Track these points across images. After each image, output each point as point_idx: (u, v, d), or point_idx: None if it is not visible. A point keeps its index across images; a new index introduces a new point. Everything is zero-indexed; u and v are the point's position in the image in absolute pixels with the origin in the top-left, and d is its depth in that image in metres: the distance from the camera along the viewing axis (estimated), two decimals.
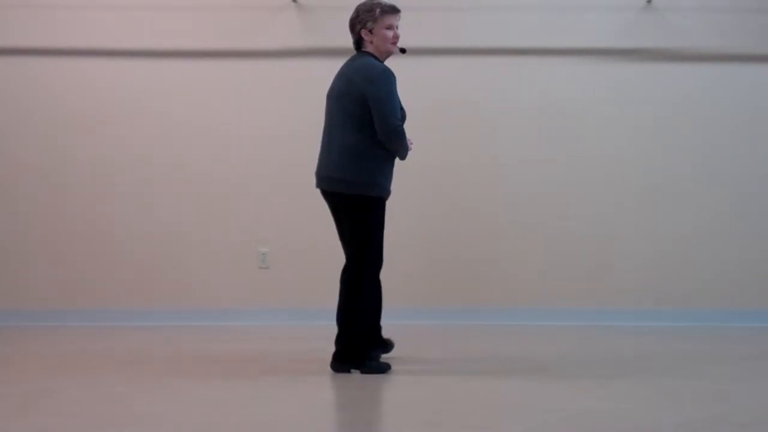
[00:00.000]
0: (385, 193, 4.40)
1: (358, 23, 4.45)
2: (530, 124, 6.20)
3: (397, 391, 3.87)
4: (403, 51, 4.60)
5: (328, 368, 4.34)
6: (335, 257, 6.07)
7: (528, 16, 6.22)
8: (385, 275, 4.56)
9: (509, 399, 3.67)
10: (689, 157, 6.21)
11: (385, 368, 4.34)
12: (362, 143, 4.31)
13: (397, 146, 4.34)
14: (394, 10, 4.46)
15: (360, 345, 4.35)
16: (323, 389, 3.88)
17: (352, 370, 4.31)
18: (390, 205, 4.60)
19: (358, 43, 4.48)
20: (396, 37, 4.46)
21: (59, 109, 6.18)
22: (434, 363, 4.57)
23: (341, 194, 4.35)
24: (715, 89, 6.23)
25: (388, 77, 4.31)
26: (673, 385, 3.98)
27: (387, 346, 4.67)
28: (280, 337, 5.51)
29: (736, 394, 3.79)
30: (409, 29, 5.89)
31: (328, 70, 6.10)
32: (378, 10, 4.40)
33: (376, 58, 4.42)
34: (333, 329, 5.68)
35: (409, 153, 4.52)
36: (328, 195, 4.44)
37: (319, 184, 4.45)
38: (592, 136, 6.20)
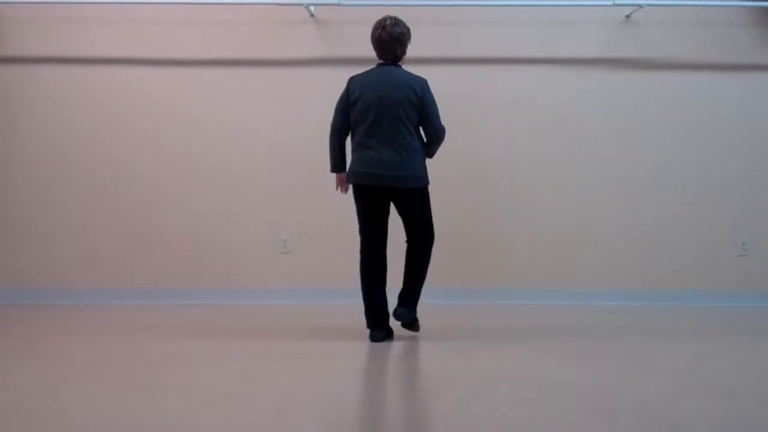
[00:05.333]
0: None
1: (407, 40, 4.53)
2: (522, 125, 6.17)
3: (404, 363, 3.87)
4: None
5: (342, 342, 4.33)
6: (349, 242, 6.08)
7: (520, 29, 6.19)
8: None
9: (502, 370, 3.67)
10: (662, 154, 6.19)
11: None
12: (419, 143, 4.45)
13: (439, 146, 4.54)
14: None
15: (418, 296, 4.59)
16: (340, 361, 3.88)
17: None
18: None
19: (400, 56, 4.51)
20: None
21: (103, 113, 6.18)
22: (438, 338, 4.56)
23: (410, 188, 4.41)
24: (685, 95, 6.20)
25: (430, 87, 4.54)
26: (650, 358, 3.97)
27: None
28: (300, 314, 5.51)
29: (706, 367, 3.77)
30: (416, 40, 5.89)
31: (343, 77, 6.11)
32: None
33: None
34: (348, 306, 5.70)
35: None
36: (386, 190, 4.42)
37: (379, 181, 4.38)
38: (576, 136, 6.18)
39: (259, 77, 6.20)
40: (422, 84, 4.43)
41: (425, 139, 4.52)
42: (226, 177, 6.19)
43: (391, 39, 4.42)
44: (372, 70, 4.49)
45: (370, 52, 6.04)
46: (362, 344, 4.34)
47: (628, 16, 6.19)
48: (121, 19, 6.19)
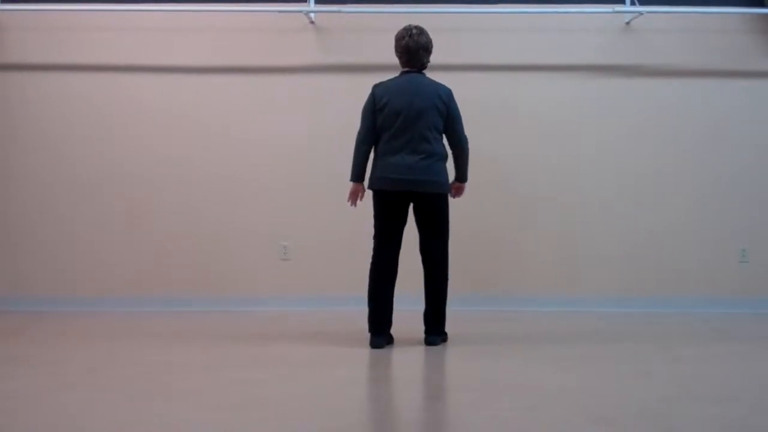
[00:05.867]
0: None
1: (432, 48, 4.56)
2: (523, 132, 6.18)
3: (404, 370, 3.87)
4: None
5: (343, 348, 4.33)
6: (350, 249, 6.09)
7: (520, 36, 6.21)
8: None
9: (502, 377, 3.67)
10: (662, 161, 6.20)
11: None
12: (444, 151, 4.48)
13: (467, 160, 4.58)
14: None
15: (445, 315, 4.59)
16: (340, 367, 3.88)
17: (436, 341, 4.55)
18: None
19: (425, 64, 4.54)
20: None
21: (103, 120, 6.19)
22: (439, 345, 4.55)
23: (434, 194, 4.43)
24: (684, 101, 6.22)
25: None
26: (650, 364, 3.97)
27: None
28: (300, 321, 5.50)
29: (706, 373, 3.77)
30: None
31: (342, 84, 6.14)
32: None
33: None
34: (348, 313, 5.70)
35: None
36: (410, 195, 4.43)
37: (405, 186, 4.38)
38: (575, 143, 6.19)
39: (259, 84, 6.21)
40: (449, 93, 4.48)
41: (451, 152, 4.56)
42: (227, 183, 6.19)
43: (417, 47, 4.46)
44: (397, 77, 4.52)
45: (369, 59, 6.08)
46: (362, 351, 4.33)
47: (628, 23, 6.21)
48: (121, 27, 6.20)
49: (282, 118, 6.21)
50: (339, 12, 6.04)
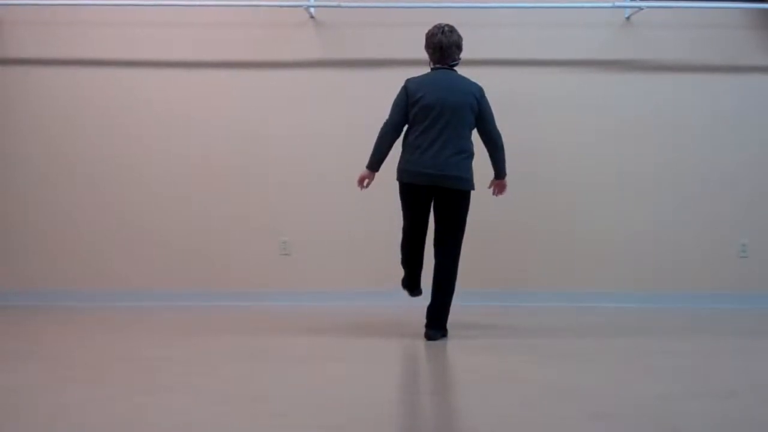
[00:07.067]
0: None
1: (462, 46, 4.58)
2: (522, 127, 6.17)
3: (404, 365, 3.87)
4: None
5: (342, 343, 4.33)
6: (348, 244, 6.08)
7: (519, 31, 6.20)
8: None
9: (502, 372, 3.66)
10: (662, 155, 6.19)
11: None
12: (472, 148, 4.51)
13: (504, 156, 4.60)
14: None
15: (448, 312, 4.59)
16: (340, 362, 3.88)
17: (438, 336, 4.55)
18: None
19: (457, 61, 4.57)
20: None
21: (103, 114, 6.18)
22: (440, 340, 4.56)
23: (460, 190, 4.45)
24: (684, 96, 6.21)
25: None
26: (649, 360, 3.97)
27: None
28: (299, 316, 5.50)
29: (706, 369, 3.77)
30: (417, 43, 5.90)
31: (342, 79, 6.13)
32: None
33: None
34: (347, 309, 5.69)
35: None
36: (436, 189, 4.45)
37: (433, 181, 4.41)
38: (574, 138, 6.18)
39: (258, 79, 6.20)
40: (480, 90, 4.52)
41: (486, 150, 4.60)
42: (226, 178, 6.19)
43: (450, 44, 4.49)
44: (429, 73, 4.54)
45: (369, 54, 6.07)
46: (362, 346, 4.33)
47: (628, 18, 6.19)
48: (119, 22, 6.19)
49: (281, 113, 6.20)
50: (338, 7, 6.02)
